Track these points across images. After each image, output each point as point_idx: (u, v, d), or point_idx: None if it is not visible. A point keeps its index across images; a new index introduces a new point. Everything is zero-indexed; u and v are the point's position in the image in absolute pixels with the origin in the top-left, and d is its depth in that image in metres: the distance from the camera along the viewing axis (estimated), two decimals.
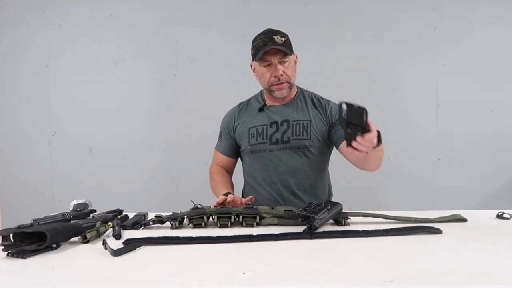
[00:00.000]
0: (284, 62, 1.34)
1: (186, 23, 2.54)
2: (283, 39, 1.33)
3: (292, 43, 1.39)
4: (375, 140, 1.03)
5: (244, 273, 0.70)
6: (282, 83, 1.36)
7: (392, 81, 2.54)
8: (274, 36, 1.31)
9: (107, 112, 2.55)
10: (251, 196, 1.31)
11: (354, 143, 1.01)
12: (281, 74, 1.34)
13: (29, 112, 2.56)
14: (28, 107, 2.56)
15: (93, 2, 2.53)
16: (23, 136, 2.57)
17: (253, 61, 1.40)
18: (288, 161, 1.39)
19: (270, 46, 1.29)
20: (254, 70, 1.43)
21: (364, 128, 1.01)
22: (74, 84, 2.55)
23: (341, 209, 1.08)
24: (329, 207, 1.04)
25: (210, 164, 1.58)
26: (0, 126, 2.57)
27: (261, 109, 1.44)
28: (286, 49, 1.31)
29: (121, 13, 2.54)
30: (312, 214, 1.02)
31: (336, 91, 2.41)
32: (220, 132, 1.53)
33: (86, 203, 1.24)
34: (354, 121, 1.02)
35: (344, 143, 1.29)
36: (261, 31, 1.38)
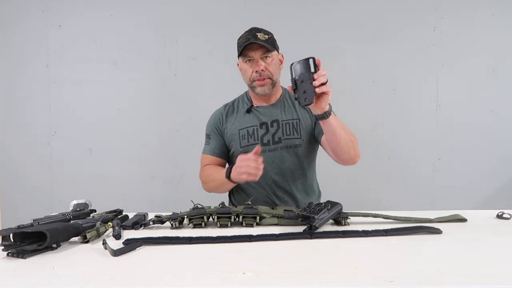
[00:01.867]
0: (266, 58, 1.36)
1: (186, 23, 2.54)
2: (266, 36, 1.34)
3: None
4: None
5: (244, 273, 0.70)
6: (264, 79, 1.36)
7: (392, 81, 2.54)
8: (257, 33, 1.34)
9: (107, 112, 2.55)
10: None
11: (315, 82, 1.04)
12: (262, 70, 1.35)
13: (29, 112, 2.56)
14: (28, 107, 2.56)
15: (93, 2, 2.53)
16: (23, 136, 2.57)
17: (238, 59, 1.42)
18: (280, 162, 1.39)
19: (251, 41, 1.31)
20: (240, 69, 1.44)
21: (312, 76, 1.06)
22: (74, 84, 2.55)
23: (341, 209, 1.08)
24: (329, 207, 1.04)
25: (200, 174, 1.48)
26: (0, 126, 2.57)
27: (248, 110, 1.44)
28: (267, 45, 1.33)
29: (121, 13, 2.54)
30: (312, 214, 1.02)
31: (336, 91, 2.41)
32: (208, 135, 1.49)
33: (86, 203, 1.24)
34: (302, 74, 1.07)
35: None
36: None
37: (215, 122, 1.48)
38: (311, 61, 1.06)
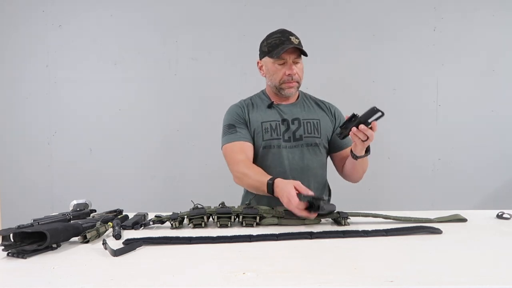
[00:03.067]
0: (297, 62, 1.38)
1: (186, 23, 2.54)
2: (297, 40, 1.37)
3: None
4: (369, 141, 1.17)
5: (244, 273, 0.70)
6: (293, 82, 1.39)
7: (392, 81, 2.53)
8: (290, 36, 1.35)
9: (107, 112, 2.55)
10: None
11: (353, 129, 1.13)
12: (294, 74, 1.37)
13: (29, 112, 2.56)
14: (28, 107, 2.56)
15: (93, 2, 2.53)
16: (23, 136, 2.57)
17: (261, 58, 1.43)
18: (300, 159, 1.40)
19: (289, 45, 1.32)
20: (261, 68, 1.45)
21: (366, 124, 1.12)
22: (74, 84, 2.55)
23: (334, 209, 1.11)
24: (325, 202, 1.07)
25: (230, 165, 1.37)
26: (0, 126, 2.57)
27: (270, 106, 1.45)
28: (302, 49, 1.35)
29: (121, 13, 2.54)
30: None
31: (336, 91, 2.41)
32: (231, 125, 1.42)
33: (86, 203, 1.24)
34: (361, 117, 1.12)
35: (340, 152, 1.47)
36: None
37: (238, 112, 1.45)
38: (376, 115, 1.10)
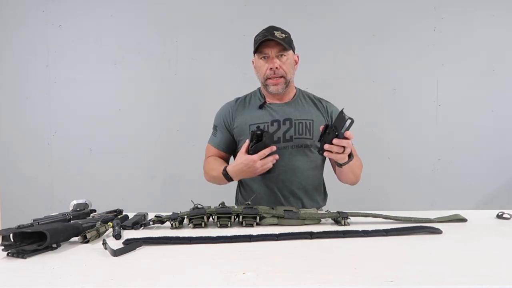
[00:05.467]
0: (282, 56, 1.36)
1: (186, 23, 2.54)
2: (283, 35, 1.36)
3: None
4: (347, 150, 1.15)
5: (244, 273, 0.70)
6: (278, 78, 1.37)
7: (392, 81, 2.53)
8: (274, 31, 1.35)
9: (107, 112, 2.55)
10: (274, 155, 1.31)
11: (326, 146, 1.14)
12: (276, 67, 1.35)
13: (29, 112, 2.56)
14: (28, 107, 2.56)
15: (93, 2, 2.53)
16: (23, 136, 2.57)
17: (254, 56, 1.43)
18: (290, 160, 1.39)
19: (267, 37, 1.33)
20: (255, 66, 1.45)
21: (339, 135, 1.13)
22: (74, 84, 2.55)
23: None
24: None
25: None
26: (0, 126, 2.57)
27: (261, 106, 1.44)
28: (284, 43, 1.33)
29: (121, 13, 2.54)
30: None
31: (336, 91, 2.41)
32: (215, 126, 1.49)
33: (86, 203, 1.24)
34: (334, 126, 1.13)
35: None
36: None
37: (224, 115, 1.48)
38: (347, 122, 1.09)
